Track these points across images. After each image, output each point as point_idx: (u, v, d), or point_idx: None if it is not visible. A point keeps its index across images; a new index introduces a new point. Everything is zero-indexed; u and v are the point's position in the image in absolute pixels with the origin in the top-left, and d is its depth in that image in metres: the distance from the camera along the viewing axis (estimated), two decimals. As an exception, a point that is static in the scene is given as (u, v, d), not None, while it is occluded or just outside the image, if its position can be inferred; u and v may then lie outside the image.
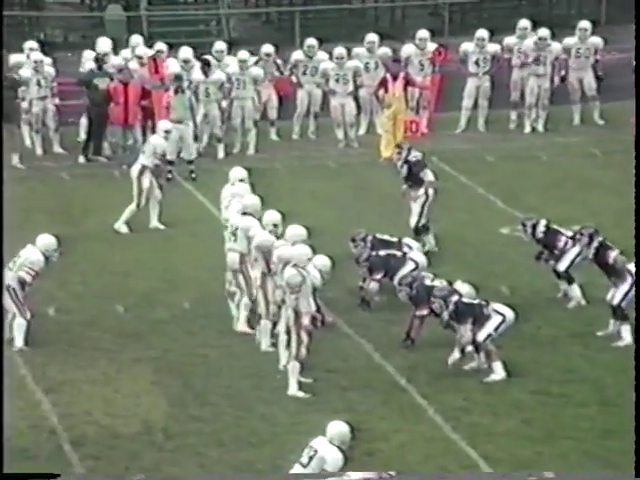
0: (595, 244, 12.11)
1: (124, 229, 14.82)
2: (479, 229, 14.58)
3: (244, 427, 10.58)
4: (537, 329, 12.30)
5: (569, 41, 18.45)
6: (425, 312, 11.69)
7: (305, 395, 11.03)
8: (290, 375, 11.09)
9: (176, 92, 16.86)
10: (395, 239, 13.08)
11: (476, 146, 18.00)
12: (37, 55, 17.55)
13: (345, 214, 15.08)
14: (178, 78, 17.07)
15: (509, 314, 11.46)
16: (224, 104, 17.53)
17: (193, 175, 16.68)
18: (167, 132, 15.60)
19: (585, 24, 18.57)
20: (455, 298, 11.44)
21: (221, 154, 17.64)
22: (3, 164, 11.70)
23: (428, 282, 11.88)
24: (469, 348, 11.42)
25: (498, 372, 11.32)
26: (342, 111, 18.16)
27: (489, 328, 11.34)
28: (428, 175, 14.17)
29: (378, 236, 13.05)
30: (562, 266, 12.75)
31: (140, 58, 17.65)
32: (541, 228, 12.85)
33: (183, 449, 10.20)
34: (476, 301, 11.49)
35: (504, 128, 18.58)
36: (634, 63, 17.78)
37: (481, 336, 11.34)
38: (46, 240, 12.12)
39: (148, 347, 11.97)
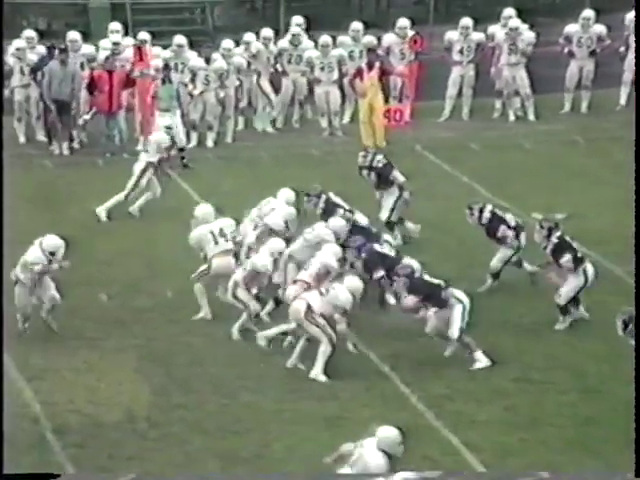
0: (554, 239, 12.02)
1: (103, 215, 14.79)
2: (463, 217, 14.59)
3: (228, 415, 10.59)
4: (519, 317, 12.34)
5: (570, 29, 18.50)
6: (381, 274, 11.72)
7: (327, 380, 11.06)
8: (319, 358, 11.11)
9: (163, 82, 16.84)
10: (348, 207, 12.97)
11: (460, 134, 18.02)
12: (20, 43, 17.48)
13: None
14: (166, 67, 17.04)
15: (466, 300, 11.36)
16: (222, 94, 17.51)
17: (185, 162, 16.66)
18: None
19: (588, 13, 18.60)
20: (412, 273, 11.36)
21: (210, 142, 17.65)
22: (3, 161, 11.54)
23: (377, 247, 11.92)
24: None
25: (481, 360, 11.34)
26: (327, 99, 18.17)
27: (457, 321, 11.25)
28: (398, 178, 14.06)
29: (333, 198, 13.00)
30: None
31: (116, 44, 17.55)
32: (486, 214, 12.79)
33: (167, 438, 10.21)
34: (435, 281, 11.42)
35: (488, 116, 18.62)
36: (622, 50, 17.85)
37: (455, 332, 11.28)
38: (52, 241, 11.84)
39: (131, 335, 11.96)
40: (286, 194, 12.99)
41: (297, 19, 18.41)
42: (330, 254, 11.84)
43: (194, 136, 17.63)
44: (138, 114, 17.56)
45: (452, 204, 15.11)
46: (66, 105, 17.01)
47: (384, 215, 13.96)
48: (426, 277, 11.52)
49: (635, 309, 10.48)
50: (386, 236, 12.86)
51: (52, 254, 11.69)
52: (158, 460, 9.91)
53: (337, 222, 12.46)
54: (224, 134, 17.77)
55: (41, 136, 17.57)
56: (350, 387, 11.08)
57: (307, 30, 18.41)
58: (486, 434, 10.27)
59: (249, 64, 17.95)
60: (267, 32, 18.26)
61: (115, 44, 17.57)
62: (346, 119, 18.53)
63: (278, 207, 12.69)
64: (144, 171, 14.90)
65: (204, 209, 12.59)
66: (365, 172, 14.17)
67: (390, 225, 13.93)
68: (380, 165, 14.13)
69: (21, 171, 16.39)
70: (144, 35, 17.95)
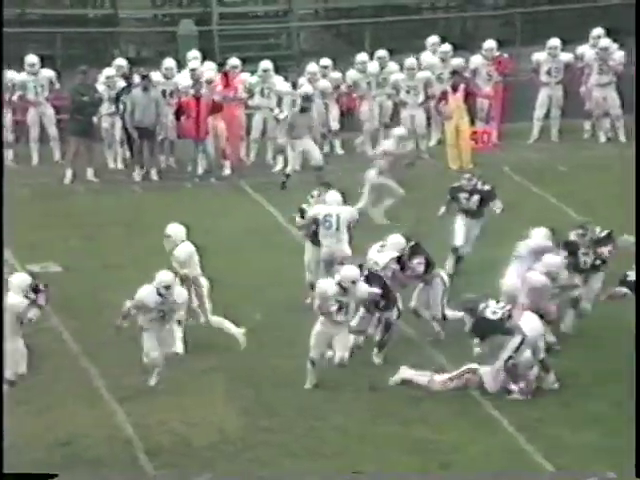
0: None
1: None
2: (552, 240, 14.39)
3: (316, 438, 10.56)
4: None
5: None
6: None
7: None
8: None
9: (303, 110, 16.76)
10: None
11: (548, 156, 17.84)
12: (110, 71, 17.76)
13: (419, 225, 14.99)
14: (307, 99, 16.94)
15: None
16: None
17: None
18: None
19: None
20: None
21: (297, 166, 17.69)
22: (3, 167, 11.60)
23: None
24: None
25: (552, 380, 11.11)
26: (412, 122, 18.15)
27: (510, 349, 11.00)
28: (497, 205, 13.78)
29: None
30: None
31: (193, 70, 17.66)
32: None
33: (258, 459, 10.21)
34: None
35: (577, 138, 18.40)
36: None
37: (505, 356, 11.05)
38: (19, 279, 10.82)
39: (220, 357, 12.00)
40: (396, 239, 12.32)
41: (382, 52, 18.30)
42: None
43: (280, 160, 17.72)
44: (224, 139, 17.71)
45: (541, 226, 14.91)
46: (149, 132, 17.22)
47: (459, 242, 13.69)
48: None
49: (635, 310, 10.13)
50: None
51: (167, 288, 11.09)
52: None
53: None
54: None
55: (120, 164, 17.70)
56: (439, 410, 10.97)
57: (391, 53, 18.42)
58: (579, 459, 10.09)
59: (337, 87, 18.00)
60: (362, 57, 18.24)
61: (192, 70, 17.70)
62: (432, 142, 18.47)
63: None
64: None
65: (176, 228, 12.28)
66: (464, 195, 13.95)
67: (457, 254, 13.67)
68: (486, 189, 13.93)
69: (112, 196, 16.63)
70: (234, 61, 18.11)
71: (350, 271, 11.29)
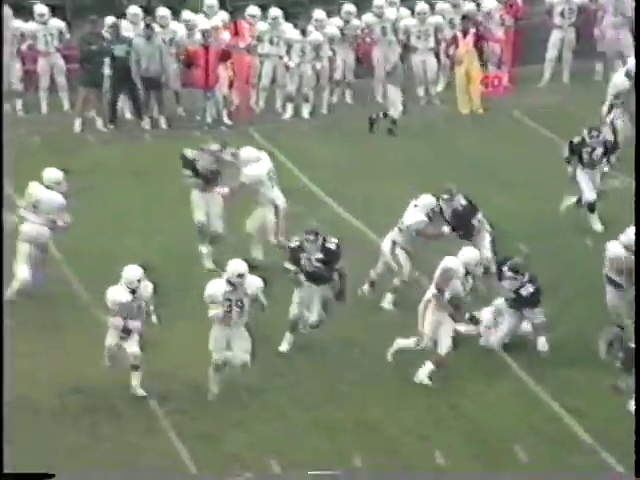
0: None
1: None
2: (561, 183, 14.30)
3: (324, 386, 10.60)
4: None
5: None
6: None
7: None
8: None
9: None
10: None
11: (560, 99, 17.70)
12: (110, 19, 17.56)
13: (428, 172, 14.96)
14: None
15: None
16: (318, 65, 17.48)
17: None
18: None
19: None
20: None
21: (306, 114, 17.62)
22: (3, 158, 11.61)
23: None
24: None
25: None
26: (423, 67, 18.01)
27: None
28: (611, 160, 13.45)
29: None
30: None
31: (187, 21, 17.45)
32: None
33: (268, 407, 10.26)
34: None
35: (589, 79, 18.25)
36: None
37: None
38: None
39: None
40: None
41: None
42: None
43: (290, 107, 17.64)
44: (234, 88, 17.62)
45: (552, 170, 14.86)
46: (155, 81, 17.11)
47: (592, 196, 13.43)
48: None
49: (635, 310, 9.99)
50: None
51: (240, 277, 10.34)
52: (259, 430, 9.97)
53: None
54: (319, 105, 17.74)
55: (128, 113, 17.62)
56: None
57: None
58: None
59: (343, 34, 17.86)
60: (379, 1, 18.03)
61: (186, 21, 17.36)
62: (440, 87, 18.31)
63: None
64: None
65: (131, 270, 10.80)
66: (587, 150, 13.53)
67: (592, 207, 13.44)
68: (608, 140, 13.63)
69: (122, 145, 16.59)
70: (253, 10, 17.92)
71: (236, 265, 10.41)
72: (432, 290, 10.78)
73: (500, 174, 14.83)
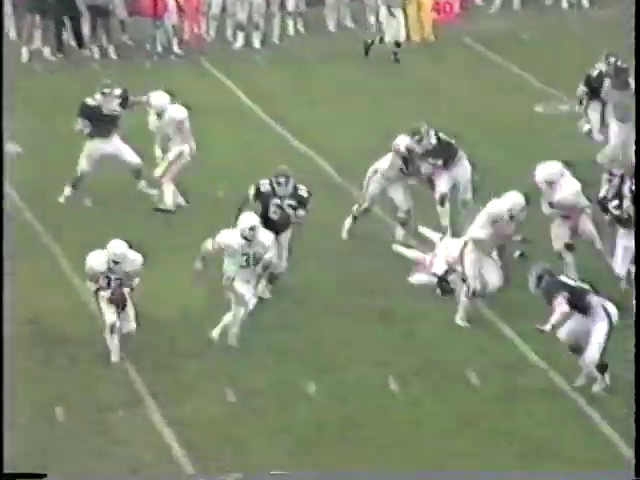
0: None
1: None
2: (514, 108, 14.40)
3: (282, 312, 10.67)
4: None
5: None
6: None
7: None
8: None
9: None
10: None
11: (511, 25, 17.67)
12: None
13: (377, 102, 14.91)
14: None
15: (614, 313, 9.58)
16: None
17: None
18: None
19: None
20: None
21: (257, 43, 17.45)
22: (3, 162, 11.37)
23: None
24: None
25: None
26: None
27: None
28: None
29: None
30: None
31: None
32: None
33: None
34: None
35: (540, 5, 18.22)
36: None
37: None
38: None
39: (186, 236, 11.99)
40: None
41: None
42: None
43: (241, 36, 17.46)
44: (183, 16, 17.39)
45: (503, 95, 14.91)
46: (103, 9, 16.90)
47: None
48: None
49: (635, 309, 9.78)
50: None
51: (252, 230, 10.16)
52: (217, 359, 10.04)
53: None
54: (270, 34, 17.58)
55: (72, 42, 17.35)
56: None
57: None
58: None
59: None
60: None
61: None
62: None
63: None
64: None
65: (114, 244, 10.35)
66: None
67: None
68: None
69: (70, 75, 16.35)
70: None
71: (248, 218, 10.21)
72: (474, 233, 10.39)
73: (455, 102, 14.79)
